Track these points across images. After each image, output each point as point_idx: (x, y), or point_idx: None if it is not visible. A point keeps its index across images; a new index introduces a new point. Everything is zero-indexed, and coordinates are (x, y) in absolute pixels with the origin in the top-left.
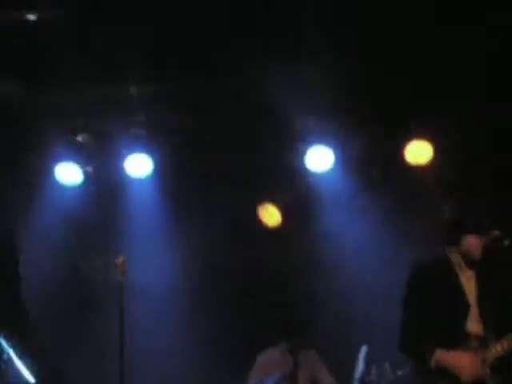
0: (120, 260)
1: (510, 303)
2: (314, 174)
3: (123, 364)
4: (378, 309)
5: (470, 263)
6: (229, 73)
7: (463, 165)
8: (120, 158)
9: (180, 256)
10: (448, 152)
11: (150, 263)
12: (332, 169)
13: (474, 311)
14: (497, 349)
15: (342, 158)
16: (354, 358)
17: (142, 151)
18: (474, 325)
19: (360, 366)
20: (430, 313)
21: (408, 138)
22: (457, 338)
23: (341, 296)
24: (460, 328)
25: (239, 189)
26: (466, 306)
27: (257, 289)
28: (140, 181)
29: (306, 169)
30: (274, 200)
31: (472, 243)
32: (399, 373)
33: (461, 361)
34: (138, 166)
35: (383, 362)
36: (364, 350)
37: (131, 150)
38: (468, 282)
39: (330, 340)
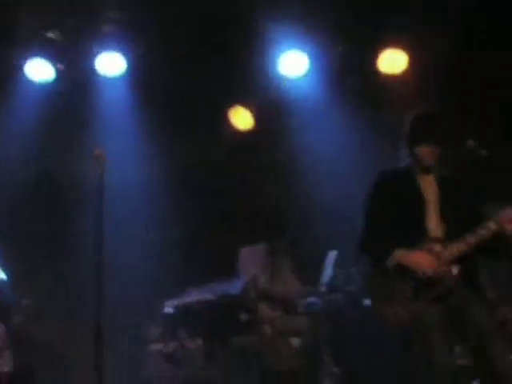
0: (98, 152)
1: (469, 206)
2: (287, 79)
3: (101, 267)
4: (347, 216)
5: (426, 170)
6: None
7: (436, 75)
8: (92, 56)
9: (154, 155)
10: (422, 62)
11: (126, 162)
12: (306, 75)
13: (433, 213)
14: (454, 248)
15: (317, 65)
16: (322, 264)
17: (114, 49)
18: (433, 225)
19: (327, 271)
20: (390, 217)
21: (382, 47)
22: (416, 239)
23: (309, 202)
24: (419, 229)
25: (211, 91)
26: (424, 208)
27: (232, 191)
28: (112, 79)
29: (279, 74)
30: (245, 103)
31: (424, 152)
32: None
33: (418, 259)
34: (111, 64)
35: (351, 268)
36: (332, 255)
37: (103, 48)
38: (428, 187)
39: (300, 245)
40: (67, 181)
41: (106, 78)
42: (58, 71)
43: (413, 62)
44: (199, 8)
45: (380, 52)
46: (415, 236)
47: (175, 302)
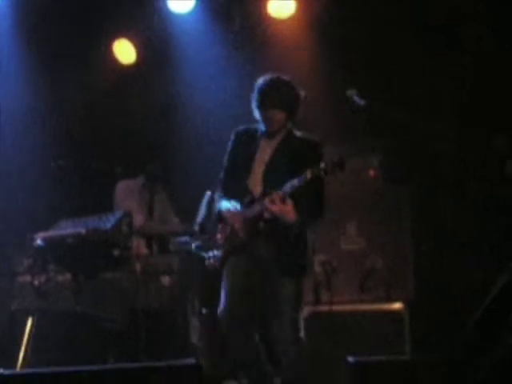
0: None
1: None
2: (173, 14)
3: None
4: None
5: (269, 134)
6: None
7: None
8: None
9: (32, 85)
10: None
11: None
12: (193, 11)
13: (257, 173)
14: (257, 207)
15: (204, 3)
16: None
17: None
18: (253, 184)
19: (202, 211)
20: (230, 170)
21: None
22: (240, 194)
23: (192, 138)
24: (242, 186)
25: (94, 24)
26: (249, 168)
27: (112, 121)
28: None
29: (166, 8)
30: (129, 36)
31: (269, 116)
32: None
33: (229, 215)
34: None
35: None
36: (208, 194)
37: None
38: (264, 150)
39: (179, 184)
40: None
41: None
42: None
43: (300, 8)
44: None
45: None
46: (239, 191)
47: (46, 234)
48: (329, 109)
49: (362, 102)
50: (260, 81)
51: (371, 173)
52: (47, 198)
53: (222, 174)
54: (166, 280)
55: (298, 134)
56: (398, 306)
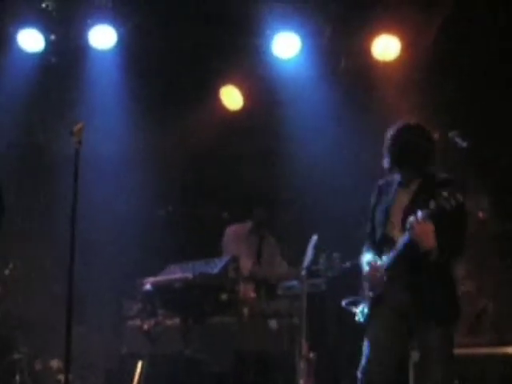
0: (78, 127)
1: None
2: (279, 60)
3: (74, 232)
4: (330, 200)
5: (408, 182)
6: None
7: (430, 65)
8: (84, 28)
9: (138, 130)
10: (417, 50)
11: (108, 135)
12: (298, 56)
13: (397, 222)
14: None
15: (309, 47)
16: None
17: (106, 22)
18: (394, 233)
19: (309, 255)
20: (373, 222)
21: (377, 31)
22: (383, 245)
23: (296, 186)
24: (384, 236)
25: (202, 70)
26: (388, 216)
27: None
28: (103, 53)
29: (271, 54)
30: (236, 83)
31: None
32: (347, 264)
33: (369, 274)
34: (102, 37)
35: (332, 252)
36: (314, 239)
37: (96, 21)
38: (403, 197)
39: (285, 229)
40: (53, 155)
41: (97, 51)
42: (49, 42)
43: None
44: None
45: (374, 37)
46: (381, 242)
47: (155, 279)
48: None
49: (464, 144)
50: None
51: (480, 214)
52: (156, 244)
53: (367, 227)
54: (273, 324)
55: (435, 174)
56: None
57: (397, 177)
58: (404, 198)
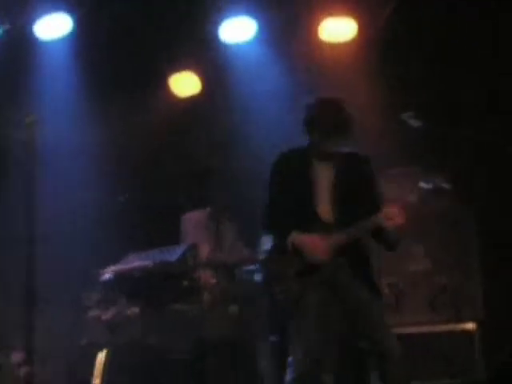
0: (29, 118)
1: (363, 194)
2: (231, 45)
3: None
4: None
5: (327, 155)
6: None
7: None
8: (35, 16)
9: (92, 122)
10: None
11: (60, 126)
12: (251, 40)
13: (324, 197)
14: (342, 235)
15: (263, 30)
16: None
17: (60, 9)
18: (323, 210)
19: (268, 238)
20: (287, 198)
21: (331, 13)
22: (308, 222)
23: (254, 169)
24: (310, 212)
25: (154, 57)
26: (314, 192)
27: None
28: (55, 42)
29: (223, 39)
30: (190, 68)
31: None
32: None
33: (308, 243)
34: (55, 25)
35: None
36: None
37: (48, 9)
38: (323, 171)
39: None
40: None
41: (46, 41)
42: None
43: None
44: None
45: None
46: (306, 218)
47: (114, 268)
48: (389, 133)
49: (417, 124)
50: (318, 101)
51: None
52: (111, 233)
53: (269, 207)
54: (234, 309)
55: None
56: (468, 326)
57: (309, 149)
58: (327, 173)
